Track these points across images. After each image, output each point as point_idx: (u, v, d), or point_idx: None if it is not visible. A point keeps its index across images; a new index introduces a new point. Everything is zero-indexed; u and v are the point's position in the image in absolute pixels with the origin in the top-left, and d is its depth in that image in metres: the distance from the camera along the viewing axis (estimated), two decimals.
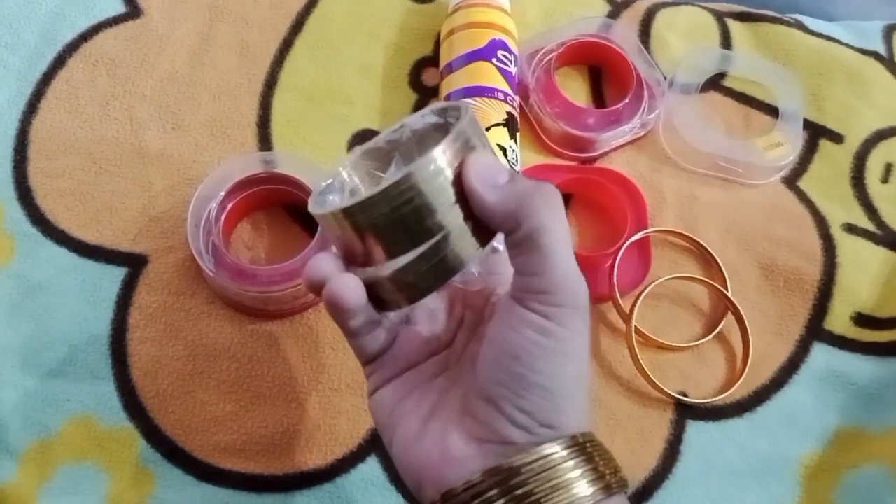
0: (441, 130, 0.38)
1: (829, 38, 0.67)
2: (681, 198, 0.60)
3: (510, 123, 0.57)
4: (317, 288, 0.36)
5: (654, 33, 0.66)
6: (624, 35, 0.63)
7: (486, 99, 0.57)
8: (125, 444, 0.50)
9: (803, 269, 0.58)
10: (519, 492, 0.33)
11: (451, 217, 0.34)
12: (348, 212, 0.34)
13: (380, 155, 0.40)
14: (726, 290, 0.57)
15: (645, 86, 0.61)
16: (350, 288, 0.35)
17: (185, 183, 0.56)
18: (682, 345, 0.55)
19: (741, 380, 0.54)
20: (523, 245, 0.34)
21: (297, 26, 0.63)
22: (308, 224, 0.56)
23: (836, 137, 0.63)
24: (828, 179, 0.62)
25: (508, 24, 0.60)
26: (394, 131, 0.40)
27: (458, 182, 0.34)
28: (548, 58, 0.62)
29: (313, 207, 0.36)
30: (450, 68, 0.59)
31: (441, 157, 0.33)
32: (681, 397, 0.54)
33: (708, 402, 0.54)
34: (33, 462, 0.49)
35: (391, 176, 0.35)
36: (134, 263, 0.54)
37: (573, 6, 0.67)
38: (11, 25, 0.60)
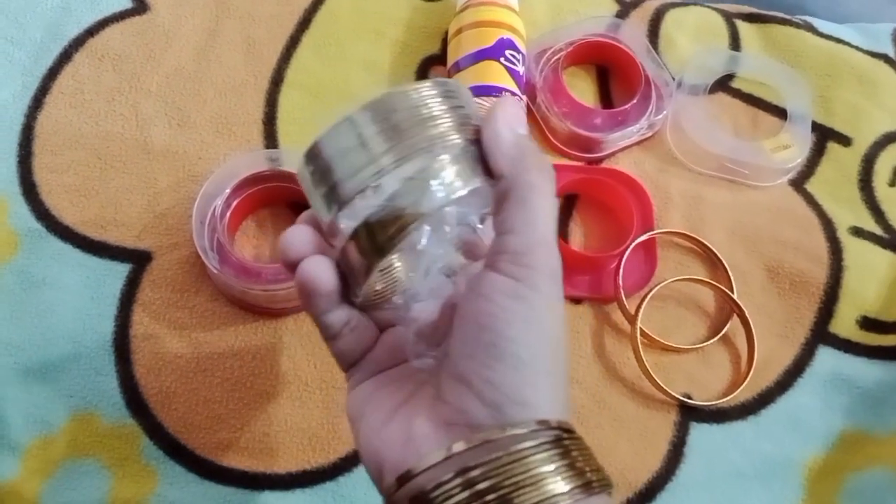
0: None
1: (838, 40, 0.67)
2: (687, 199, 0.60)
3: None
4: (291, 265, 0.34)
5: (662, 33, 0.66)
6: (632, 35, 0.63)
7: (493, 98, 0.56)
8: (128, 442, 0.50)
9: (810, 271, 0.58)
10: (481, 470, 0.30)
11: (452, 139, 0.33)
12: (373, 104, 0.32)
13: None
14: (732, 292, 0.56)
15: (653, 86, 0.61)
16: (321, 270, 0.33)
17: (190, 180, 0.56)
18: (686, 347, 0.55)
19: (746, 382, 0.54)
20: (510, 196, 0.33)
21: (303, 23, 0.63)
22: None
23: (844, 140, 0.63)
24: (835, 182, 0.62)
25: (516, 22, 0.60)
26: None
27: (457, 114, 0.33)
28: (556, 57, 0.61)
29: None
30: (457, 67, 0.58)
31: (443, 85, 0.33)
32: (685, 399, 0.53)
33: (712, 405, 0.54)
34: (36, 459, 0.49)
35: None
36: (138, 260, 0.54)
37: (581, 5, 0.66)
38: (17, 20, 0.60)
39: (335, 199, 0.33)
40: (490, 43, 0.58)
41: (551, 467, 0.31)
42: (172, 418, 0.51)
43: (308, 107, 0.60)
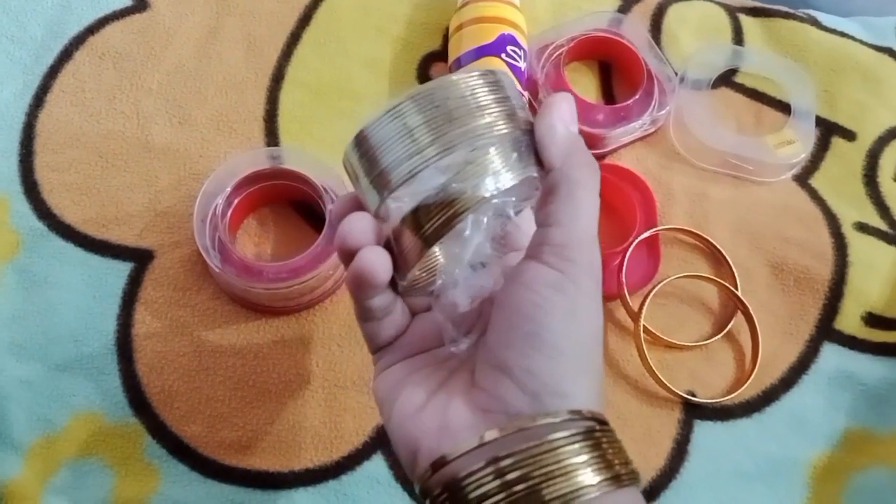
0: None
1: (842, 35, 0.66)
2: (691, 195, 0.59)
3: None
4: (348, 253, 0.34)
5: (665, 28, 0.65)
6: (634, 30, 0.63)
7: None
8: (130, 440, 0.50)
9: (814, 268, 0.58)
10: (512, 460, 0.31)
11: (501, 128, 0.33)
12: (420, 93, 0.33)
13: None
14: (736, 288, 0.56)
15: (655, 82, 0.61)
16: (380, 263, 0.34)
17: (191, 178, 0.56)
18: (690, 344, 0.55)
19: (750, 380, 0.54)
20: (557, 190, 0.34)
21: (304, 20, 0.62)
22: (314, 220, 0.56)
23: (849, 135, 0.63)
24: (840, 178, 0.61)
25: (518, 18, 0.60)
26: None
27: (505, 104, 0.34)
28: (557, 53, 0.61)
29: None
30: (458, 63, 0.58)
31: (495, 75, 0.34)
32: (689, 397, 0.53)
33: (716, 402, 0.54)
34: (38, 457, 0.49)
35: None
36: (140, 259, 0.54)
37: (583, 1, 0.66)
38: (18, 18, 0.60)
39: (385, 184, 0.33)
40: (491, 39, 0.58)
41: (581, 459, 0.31)
42: (175, 417, 0.51)
43: (309, 104, 0.60)
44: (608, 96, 0.63)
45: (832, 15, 0.69)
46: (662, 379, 0.53)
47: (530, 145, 0.34)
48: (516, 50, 0.58)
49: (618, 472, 0.32)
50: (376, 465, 0.51)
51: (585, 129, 0.58)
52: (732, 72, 0.64)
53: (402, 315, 0.38)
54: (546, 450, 0.31)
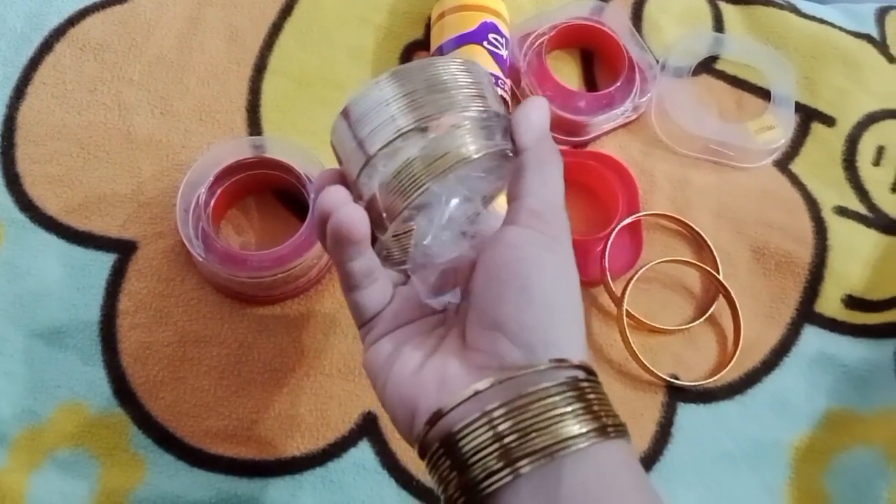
0: None
1: (822, 21, 0.67)
2: (673, 181, 0.60)
3: None
4: (325, 217, 0.35)
5: (646, 16, 0.66)
6: (616, 18, 0.63)
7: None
8: (116, 431, 0.50)
9: (795, 252, 0.58)
10: (503, 410, 0.32)
11: (476, 106, 0.36)
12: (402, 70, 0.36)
13: None
14: (718, 273, 0.57)
15: (637, 69, 0.61)
16: (357, 218, 0.35)
17: (174, 168, 0.56)
18: (673, 328, 0.55)
19: (732, 362, 0.54)
20: (529, 166, 0.36)
21: (286, 10, 0.62)
22: (298, 209, 0.56)
23: (829, 121, 0.63)
24: (820, 163, 0.62)
25: (500, 7, 0.60)
26: None
27: (481, 89, 0.36)
28: (539, 41, 0.61)
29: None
30: (440, 51, 0.58)
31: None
32: (672, 380, 0.54)
33: (699, 385, 0.54)
34: (24, 449, 0.49)
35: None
36: (123, 250, 0.54)
37: None
38: None
39: (366, 151, 0.35)
40: (473, 27, 0.58)
41: (568, 409, 0.32)
42: (160, 407, 0.51)
43: (292, 94, 0.60)
44: (590, 84, 0.63)
45: (812, 2, 0.69)
46: (646, 363, 0.53)
47: (504, 128, 0.37)
48: (498, 38, 0.58)
49: (604, 423, 0.33)
50: (362, 451, 0.51)
51: (568, 116, 0.58)
52: (713, 59, 0.65)
53: (386, 284, 0.39)
54: (533, 400, 0.32)
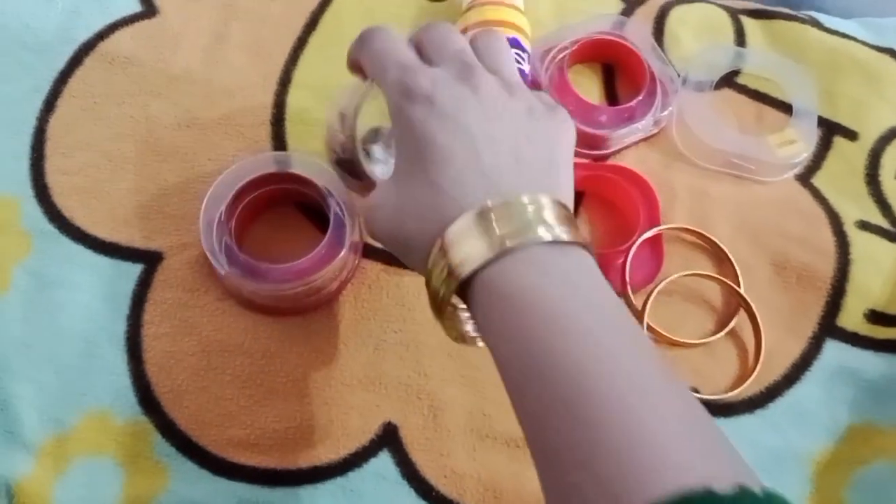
0: None
1: (843, 35, 0.67)
2: (693, 195, 0.60)
3: None
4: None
5: (667, 30, 0.66)
6: (637, 32, 0.63)
7: None
8: (140, 439, 0.51)
9: (816, 265, 0.58)
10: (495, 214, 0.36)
11: None
12: None
13: None
14: (738, 286, 0.56)
15: (658, 83, 0.61)
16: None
17: (199, 180, 0.57)
18: (693, 341, 0.55)
19: (753, 376, 0.54)
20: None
21: (311, 24, 0.63)
22: (320, 222, 0.56)
23: (851, 134, 0.63)
24: (842, 177, 0.62)
25: (522, 21, 0.60)
26: None
27: None
28: (561, 55, 0.62)
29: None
30: None
31: None
32: (693, 394, 0.54)
33: (719, 399, 0.54)
34: (49, 456, 0.50)
35: None
36: (149, 260, 0.55)
37: (586, 4, 0.67)
38: (29, 24, 0.61)
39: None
40: None
41: (547, 216, 0.36)
42: (184, 415, 0.51)
43: (315, 107, 0.60)
44: (611, 98, 0.64)
45: (834, 16, 0.69)
46: None
47: None
48: (520, 53, 0.59)
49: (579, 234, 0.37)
50: (383, 461, 0.51)
51: (589, 130, 0.59)
52: (735, 73, 0.65)
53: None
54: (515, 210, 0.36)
